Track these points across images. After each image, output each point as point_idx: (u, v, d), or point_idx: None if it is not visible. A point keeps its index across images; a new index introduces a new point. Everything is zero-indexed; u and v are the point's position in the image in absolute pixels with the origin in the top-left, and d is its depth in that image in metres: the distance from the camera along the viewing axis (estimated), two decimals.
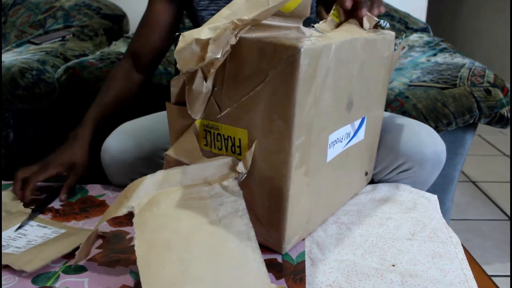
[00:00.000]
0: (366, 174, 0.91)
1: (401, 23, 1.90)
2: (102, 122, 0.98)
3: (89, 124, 0.97)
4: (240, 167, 0.66)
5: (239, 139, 0.67)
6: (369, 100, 0.81)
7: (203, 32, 0.57)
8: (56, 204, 0.89)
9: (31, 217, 0.82)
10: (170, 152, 0.69)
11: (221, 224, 0.63)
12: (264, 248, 0.72)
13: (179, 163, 0.68)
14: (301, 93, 0.61)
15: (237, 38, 0.60)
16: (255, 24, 0.60)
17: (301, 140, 0.64)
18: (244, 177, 0.67)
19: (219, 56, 0.59)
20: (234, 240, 0.62)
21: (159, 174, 0.64)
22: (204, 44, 0.57)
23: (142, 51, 1.00)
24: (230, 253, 0.60)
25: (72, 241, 0.73)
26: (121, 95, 1.01)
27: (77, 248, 0.68)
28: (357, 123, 0.79)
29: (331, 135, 0.71)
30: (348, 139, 0.78)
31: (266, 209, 0.69)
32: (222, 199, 0.65)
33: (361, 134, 0.81)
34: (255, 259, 0.61)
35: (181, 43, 0.58)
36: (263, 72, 0.62)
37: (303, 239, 0.75)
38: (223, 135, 0.69)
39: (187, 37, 0.57)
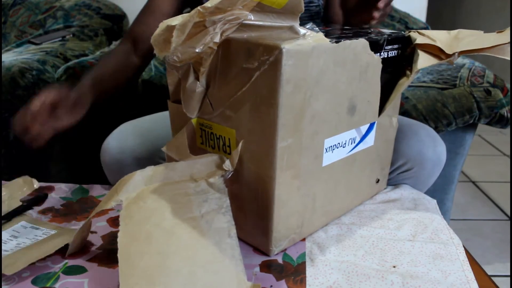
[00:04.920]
0: (378, 181, 0.89)
1: (401, 23, 1.90)
2: (98, 92, 0.92)
3: (86, 88, 0.90)
4: (227, 165, 0.67)
5: (229, 139, 0.68)
6: (377, 105, 0.78)
7: (176, 19, 0.57)
8: (56, 204, 0.89)
9: (17, 213, 0.81)
10: (164, 148, 0.71)
11: (203, 220, 0.64)
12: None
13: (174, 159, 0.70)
14: (286, 94, 0.60)
15: (223, 37, 0.61)
16: (246, 24, 0.60)
17: (287, 143, 0.64)
18: (230, 175, 0.67)
19: (197, 50, 0.60)
20: (214, 236, 0.63)
21: (149, 170, 0.66)
22: (172, 31, 0.57)
23: (142, 38, 1.00)
24: (209, 249, 0.62)
25: (58, 241, 0.72)
26: (118, 69, 0.98)
27: (62, 248, 0.69)
28: (363, 128, 0.77)
29: (327, 140, 0.70)
30: (354, 144, 0.76)
31: (255, 210, 0.69)
32: (207, 195, 0.66)
33: (370, 140, 0.80)
34: (234, 256, 0.62)
35: (157, 29, 0.58)
36: (249, 72, 0.62)
37: (304, 239, 0.75)
38: (215, 134, 0.70)
39: (163, 24, 0.58)
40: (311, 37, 0.62)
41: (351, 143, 0.76)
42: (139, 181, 0.66)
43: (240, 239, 0.70)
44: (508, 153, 2.60)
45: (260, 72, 0.60)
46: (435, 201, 0.89)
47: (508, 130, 2.72)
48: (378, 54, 0.74)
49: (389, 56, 0.77)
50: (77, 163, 1.47)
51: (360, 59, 0.70)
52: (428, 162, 0.90)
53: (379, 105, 0.79)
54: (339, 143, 0.73)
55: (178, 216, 0.64)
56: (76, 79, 1.40)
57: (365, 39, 0.69)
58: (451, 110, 1.27)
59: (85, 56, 1.61)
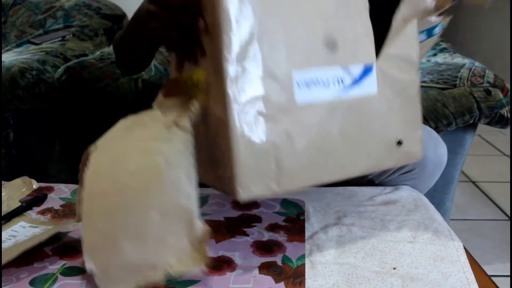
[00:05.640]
0: (400, 143, 0.76)
1: None
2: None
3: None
4: (193, 106, 0.66)
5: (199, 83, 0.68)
6: (372, 44, 0.73)
7: None
8: (56, 204, 0.89)
9: (16, 214, 0.81)
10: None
11: (165, 160, 0.64)
12: (262, 250, 0.72)
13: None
14: (226, 11, 0.61)
15: None
16: None
17: (239, 67, 0.62)
18: (197, 117, 0.66)
19: None
20: (172, 178, 0.63)
21: (130, 118, 0.71)
22: None
23: None
24: (165, 191, 0.63)
25: (52, 230, 0.72)
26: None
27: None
28: (354, 68, 0.71)
29: (298, 71, 0.66)
30: (343, 86, 0.70)
31: (222, 150, 0.66)
32: (173, 137, 0.65)
33: (369, 86, 0.72)
34: (189, 199, 0.62)
35: None
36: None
37: (303, 241, 0.75)
38: (191, 81, 0.69)
39: None
40: None
41: (338, 84, 0.70)
42: (120, 126, 0.70)
43: (212, 185, 0.70)
44: (508, 153, 2.60)
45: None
46: (432, 206, 0.88)
47: (508, 130, 2.72)
48: None
49: None
50: (77, 163, 1.47)
51: None
52: (429, 164, 0.90)
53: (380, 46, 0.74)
54: (317, 80, 0.68)
55: (142, 157, 0.65)
56: (76, 79, 1.40)
57: None
58: (451, 110, 1.27)
59: (85, 56, 1.61)
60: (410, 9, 0.74)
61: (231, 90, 0.62)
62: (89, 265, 0.62)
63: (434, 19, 0.80)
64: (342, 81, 0.69)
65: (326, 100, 0.68)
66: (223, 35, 0.61)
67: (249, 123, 0.63)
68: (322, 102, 0.68)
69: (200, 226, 0.61)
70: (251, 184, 0.64)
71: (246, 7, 0.62)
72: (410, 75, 0.76)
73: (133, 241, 0.61)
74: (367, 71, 0.72)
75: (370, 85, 0.72)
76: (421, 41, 0.81)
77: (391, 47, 0.74)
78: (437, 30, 0.82)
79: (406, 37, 0.75)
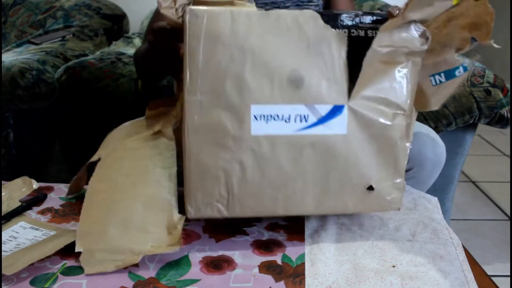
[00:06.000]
0: (371, 188, 0.73)
1: None
2: None
3: None
4: (174, 114, 0.77)
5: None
6: (345, 86, 0.71)
7: None
8: (56, 204, 0.89)
9: (16, 214, 0.82)
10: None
11: (151, 162, 0.76)
12: (262, 249, 0.72)
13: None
14: (192, 49, 0.67)
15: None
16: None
17: (198, 97, 0.67)
18: (177, 124, 0.76)
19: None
20: (156, 176, 0.75)
21: (122, 127, 0.84)
22: None
23: None
24: (150, 187, 0.74)
25: (58, 242, 0.72)
26: None
27: (60, 249, 0.70)
28: (321, 108, 0.70)
29: (255, 106, 0.68)
30: (306, 123, 0.70)
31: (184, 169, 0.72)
32: (159, 142, 0.77)
33: (338, 127, 0.71)
34: (170, 193, 0.73)
35: None
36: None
37: (303, 240, 0.75)
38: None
39: None
40: (240, 4, 0.68)
41: (300, 121, 0.70)
42: (115, 137, 0.82)
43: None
44: (508, 153, 2.60)
45: (184, 32, 0.68)
46: (435, 198, 0.88)
47: (508, 130, 2.72)
48: (345, 30, 0.71)
49: (368, 35, 0.73)
50: (76, 163, 1.47)
51: (306, 30, 0.69)
52: (428, 163, 0.90)
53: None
54: (277, 115, 0.69)
55: (133, 161, 0.77)
56: (76, 79, 1.40)
57: (317, 11, 0.69)
58: (451, 110, 1.27)
59: (85, 56, 1.62)
60: (392, 53, 0.72)
61: (189, 117, 0.68)
62: (78, 248, 0.70)
63: (452, 60, 0.77)
64: (305, 119, 0.70)
65: (284, 135, 0.70)
66: (187, 68, 0.68)
67: (203, 149, 0.69)
68: (280, 136, 0.70)
69: (177, 216, 0.71)
70: (201, 205, 0.70)
71: (215, 41, 0.67)
72: (390, 119, 0.73)
73: (118, 228, 0.71)
74: (336, 110, 0.71)
75: (340, 125, 0.71)
76: (439, 83, 0.79)
77: (367, 88, 0.72)
78: (460, 71, 0.78)
79: (387, 79, 0.72)
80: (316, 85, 0.70)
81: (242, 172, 0.69)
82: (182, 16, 0.69)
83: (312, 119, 0.70)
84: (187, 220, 0.73)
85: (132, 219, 0.71)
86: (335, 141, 0.71)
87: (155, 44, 0.83)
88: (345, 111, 0.71)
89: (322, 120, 0.70)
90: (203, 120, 0.68)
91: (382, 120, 0.73)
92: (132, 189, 0.74)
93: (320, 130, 0.70)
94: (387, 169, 0.74)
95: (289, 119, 0.70)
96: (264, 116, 0.69)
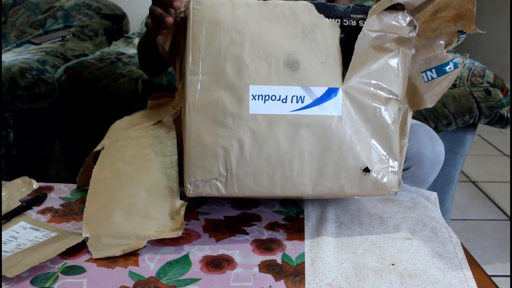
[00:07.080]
0: (367, 170, 0.74)
1: None
2: None
3: None
4: (174, 105, 0.81)
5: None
6: (339, 70, 0.74)
7: None
8: (56, 204, 0.89)
9: (16, 214, 0.82)
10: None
11: (153, 151, 0.79)
12: (262, 248, 0.73)
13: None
14: (195, 33, 0.73)
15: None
16: None
17: (199, 77, 0.72)
18: (177, 114, 0.80)
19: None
20: (158, 164, 0.78)
21: (125, 119, 0.87)
22: None
23: None
24: (152, 174, 0.77)
25: (59, 245, 0.72)
26: None
27: (63, 252, 0.70)
28: (316, 90, 0.73)
29: (254, 86, 0.72)
30: (302, 104, 0.73)
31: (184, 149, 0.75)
32: (160, 131, 0.81)
33: (333, 109, 0.73)
34: (170, 180, 0.76)
35: None
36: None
37: (303, 239, 0.75)
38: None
39: None
40: None
41: (297, 101, 0.73)
42: (118, 127, 0.85)
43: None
44: (508, 153, 2.60)
45: (188, 18, 0.74)
46: (435, 193, 0.88)
47: (508, 130, 2.72)
48: (338, 20, 0.76)
49: (359, 25, 0.76)
50: (76, 163, 1.47)
51: (301, 18, 0.75)
52: (427, 161, 0.90)
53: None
54: (274, 96, 0.72)
55: (136, 150, 0.79)
56: (76, 79, 1.40)
57: (311, 2, 0.76)
58: (451, 110, 1.27)
59: (85, 56, 1.62)
60: (382, 38, 0.75)
61: (190, 95, 0.72)
62: (85, 234, 0.73)
63: (441, 56, 0.81)
64: (301, 100, 0.73)
65: (281, 114, 0.73)
66: (190, 50, 0.73)
67: (202, 126, 0.72)
68: (277, 115, 0.73)
69: (179, 202, 0.74)
70: (200, 182, 0.73)
71: (217, 27, 0.73)
72: (384, 103, 0.75)
73: (123, 214, 0.73)
74: (330, 93, 0.74)
75: (334, 107, 0.74)
76: (431, 79, 0.82)
77: (360, 73, 0.75)
78: (451, 67, 0.81)
79: (379, 65, 0.75)
80: (311, 68, 0.74)
81: (241, 150, 0.72)
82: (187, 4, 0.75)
83: (308, 100, 0.73)
84: (187, 220, 0.75)
85: (136, 205, 0.74)
86: (330, 122, 0.74)
87: (151, 13, 0.80)
88: (340, 93, 0.74)
89: (318, 102, 0.74)
90: (203, 99, 0.72)
91: (375, 103, 0.75)
92: (135, 176, 0.77)
93: (315, 111, 0.74)
94: (382, 151, 0.76)
95: (285, 99, 0.73)
96: (261, 96, 0.72)
